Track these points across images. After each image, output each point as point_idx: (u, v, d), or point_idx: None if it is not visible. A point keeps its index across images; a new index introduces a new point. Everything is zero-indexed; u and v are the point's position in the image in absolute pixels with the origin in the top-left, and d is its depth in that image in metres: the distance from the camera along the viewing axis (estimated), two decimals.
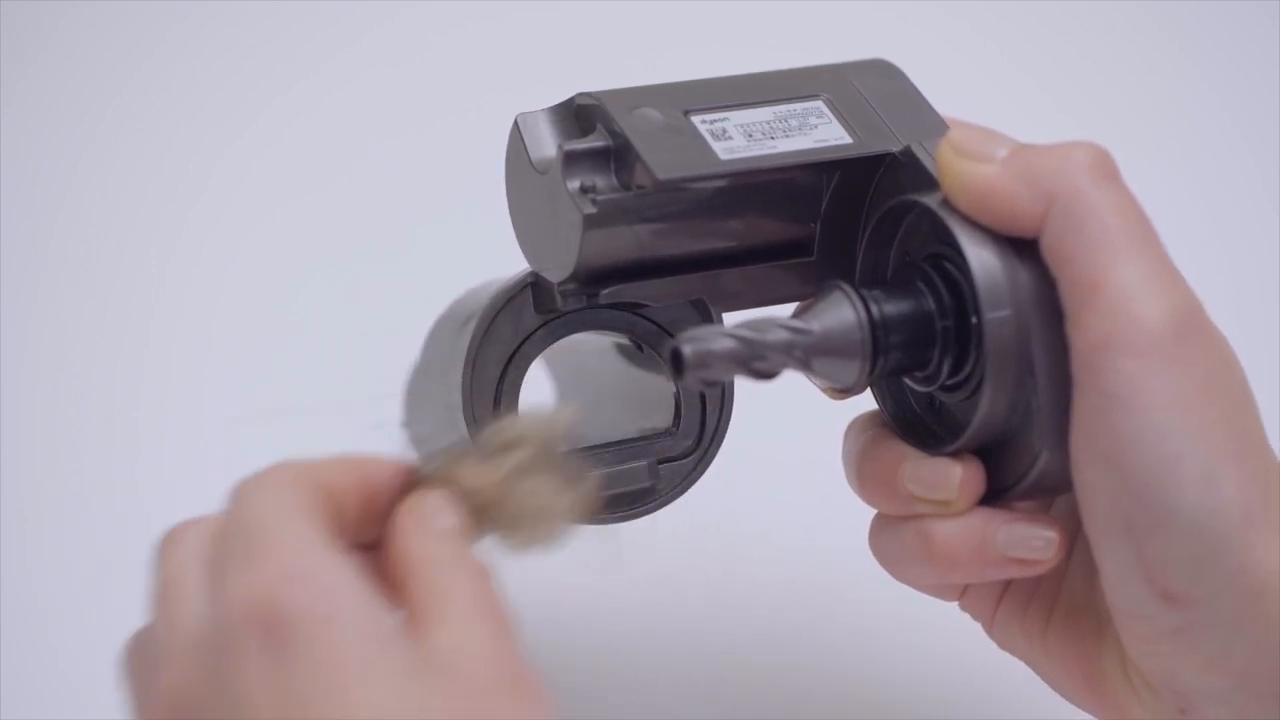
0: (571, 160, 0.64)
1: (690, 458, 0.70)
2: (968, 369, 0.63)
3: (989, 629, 0.68)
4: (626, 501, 0.69)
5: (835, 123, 0.66)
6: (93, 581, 0.83)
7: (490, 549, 0.55)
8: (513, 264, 0.68)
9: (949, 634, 0.73)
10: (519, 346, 0.69)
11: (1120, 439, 0.58)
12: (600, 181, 0.64)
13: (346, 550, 0.52)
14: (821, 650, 0.83)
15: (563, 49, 1.17)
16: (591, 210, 0.64)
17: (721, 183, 0.65)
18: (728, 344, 0.60)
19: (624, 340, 0.71)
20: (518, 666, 0.51)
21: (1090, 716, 0.66)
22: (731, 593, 0.87)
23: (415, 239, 1.06)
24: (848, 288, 0.63)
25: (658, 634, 0.84)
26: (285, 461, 0.54)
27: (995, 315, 0.61)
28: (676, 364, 0.60)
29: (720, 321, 0.68)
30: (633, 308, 0.69)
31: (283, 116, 1.13)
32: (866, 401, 0.67)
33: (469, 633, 0.51)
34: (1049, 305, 0.60)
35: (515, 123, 0.66)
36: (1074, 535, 0.65)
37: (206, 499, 0.55)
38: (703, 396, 0.70)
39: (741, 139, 0.65)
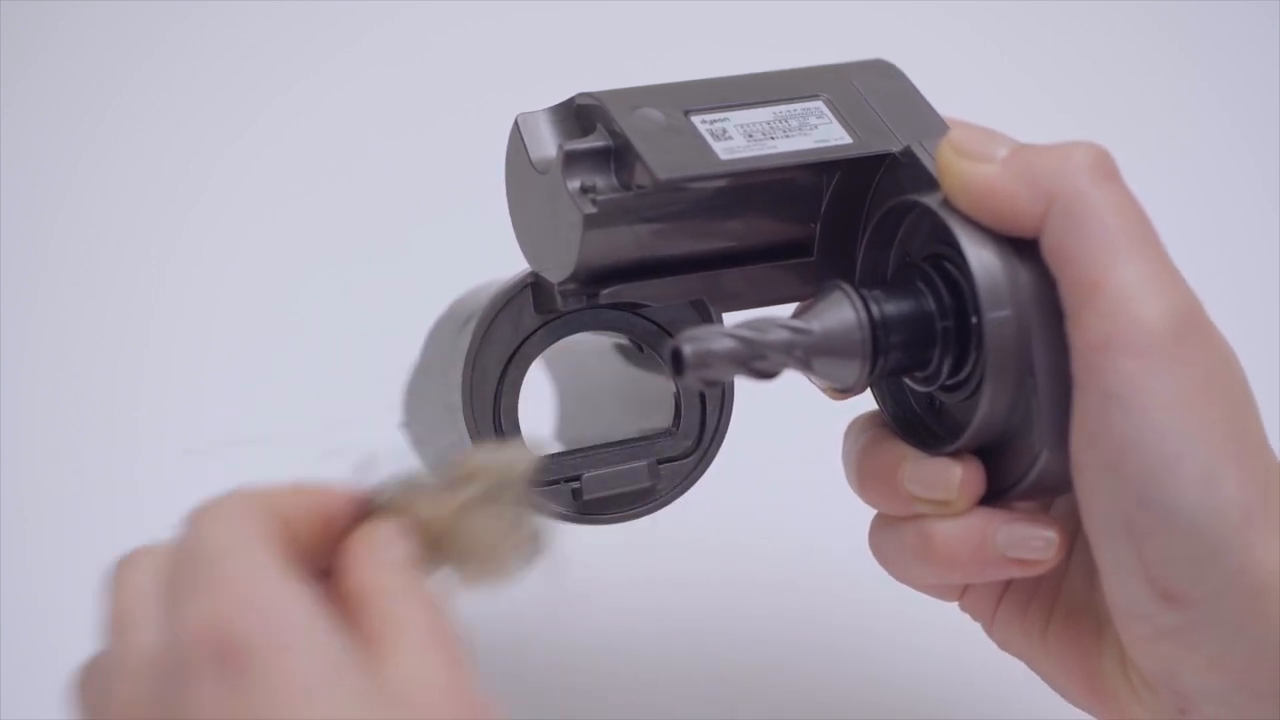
0: (572, 160, 0.64)
1: (690, 458, 0.70)
2: (968, 369, 0.63)
3: (989, 629, 0.68)
4: (626, 501, 0.69)
5: (835, 123, 0.66)
6: (93, 581, 0.83)
7: (443, 580, 0.55)
8: (513, 264, 0.68)
9: (949, 634, 0.73)
10: (519, 346, 0.69)
11: (1120, 439, 0.58)
12: (600, 181, 0.64)
13: (302, 577, 0.52)
14: (821, 650, 0.83)
15: (563, 49, 1.17)
16: (592, 210, 0.64)
17: (722, 183, 0.65)
18: (728, 344, 0.60)
19: (624, 340, 0.71)
20: (473, 697, 0.51)
21: (1090, 716, 0.66)
22: (731, 593, 0.87)
23: (415, 239, 1.06)
24: (848, 288, 0.63)
25: (658, 634, 0.84)
26: (240, 489, 0.54)
27: (995, 315, 0.61)
28: (677, 363, 0.60)
29: (720, 322, 0.68)
30: (633, 308, 0.69)
31: (283, 116, 1.13)
32: (866, 401, 0.67)
33: (423, 663, 0.51)
34: (1049, 305, 0.60)
35: (515, 123, 0.66)
36: (1074, 535, 0.65)
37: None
38: (703, 397, 0.70)
39: (742, 139, 0.65)
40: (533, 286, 0.68)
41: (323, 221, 1.07)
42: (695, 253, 0.67)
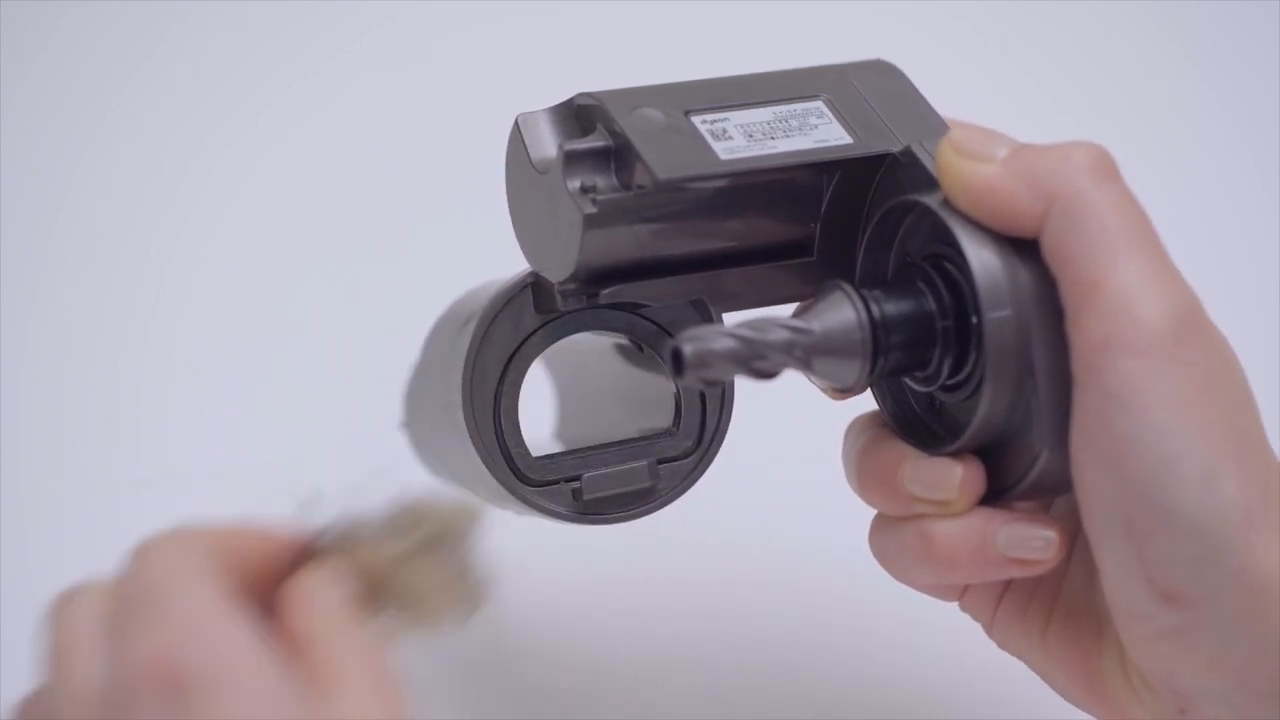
0: (572, 160, 0.64)
1: (690, 458, 0.70)
2: (968, 369, 0.63)
3: (989, 629, 0.68)
4: (626, 501, 0.69)
5: (835, 123, 0.66)
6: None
7: (385, 625, 0.55)
8: (513, 264, 0.68)
9: (949, 634, 0.73)
10: (519, 346, 0.69)
11: (1120, 439, 0.58)
12: (600, 181, 0.64)
13: (248, 613, 0.52)
14: (821, 650, 0.83)
15: (563, 49, 1.17)
16: (592, 210, 0.64)
17: (722, 183, 0.65)
18: (728, 343, 0.60)
19: (624, 340, 0.71)
20: None
21: (1090, 716, 0.66)
22: (731, 593, 0.87)
23: (415, 239, 1.06)
24: (848, 287, 0.63)
25: (658, 634, 0.84)
26: (185, 525, 0.54)
27: (995, 315, 0.61)
28: (677, 363, 0.60)
29: (720, 322, 0.68)
30: (633, 308, 0.69)
31: (283, 116, 1.13)
32: (866, 401, 0.67)
33: (363, 706, 0.52)
34: (1049, 305, 0.60)
35: (515, 123, 0.66)
36: (1074, 535, 0.65)
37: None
38: (703, 397, 0.70)
39: (742, 139, 0.65)
40: (533, 286, 0.68)
41: (323, 222, 1.07)
42: (695, 253, 0.67)
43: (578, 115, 0.66)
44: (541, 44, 1.17)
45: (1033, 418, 0.61)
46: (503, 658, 0.83)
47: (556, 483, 0.69)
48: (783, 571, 0.87)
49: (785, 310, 0.65)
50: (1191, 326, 0.59)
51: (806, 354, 0.62)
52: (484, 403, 0.68)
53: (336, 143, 1.12)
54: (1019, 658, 0.68)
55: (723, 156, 0.64)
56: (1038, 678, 0.67)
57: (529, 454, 0.69)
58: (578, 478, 0.69)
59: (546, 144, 0.66)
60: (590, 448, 0.69)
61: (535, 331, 0.69)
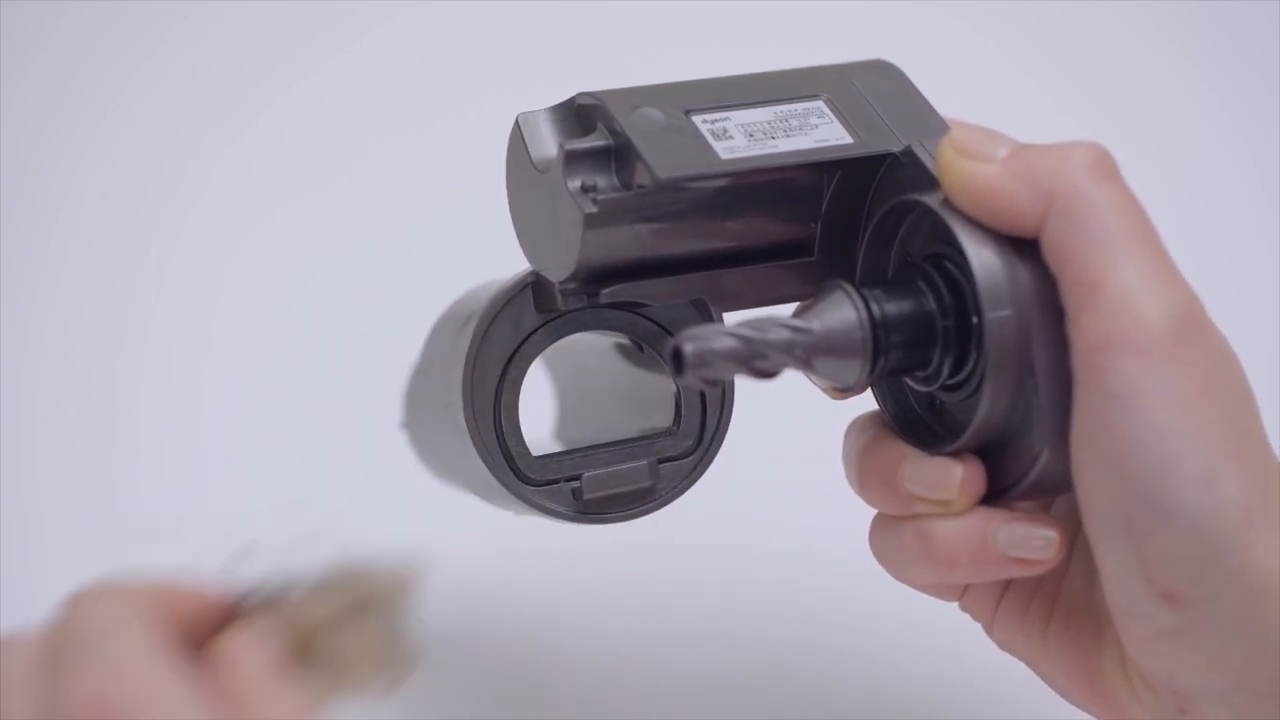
0: (572, 159, 0.64)
1: (690, 458, 0.70)
2: (968, 369, 0.63)
3: (989, 629, 0.68)
4: (626, 501, 0.69)
5: (836, 123, 0.66)
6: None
7: (315, 683, 0.55)
8: (513, 264, 0.68)
9: (949, 634, 0.73)
10: (519, 346, 0.69)
11: (1120, 439, 0.58)
12: (601, 181, 0.64)
13: (181, 662, 0.52)
14: (821, 650, 0.83)
15: (563, 49, 1.17)
16: (592, 209, 0.64)
17: (722, 182, 0.65)
18: (728, 343, 0.60)
19: (624, 340, 0.71)
20: None
21: (1090, 716, 0.66)
22: (731, 593, 0.87)
23: (415, 239, 1.06)
24: (849, 287, 0.63)
25: (658, 634, 0.84)
26: (119, 576, 0.54)
27: (996, 315, 0.61)
28: (677, 362, 0.60)
29: (721, 321, 0.68)
30: (633, 307, 0.69)
31: (283, 116, 1.13)
32: (866, 401, 0.67)
33: None
34: (1049, 305, 0.60)
35: (516, 122, 0.66)
36: (1074, 535, 0.65)
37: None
38: (703, 396, 0.70)
39: (742, 139, 0.65)
40: (533, 286, 0.68)
41: (323, 222, 1.07)
42: (696, 252, 0.67)
43: (578, 115, 0.66)
44: (541, 44, 1.17)
45: (1033, 417, 0.61)
46: (502, 658, 0.82)
47: (557, 482, 0.69)
48: (783, 571, 0.87)
49: (785, 310, 0.65)
50: (1192, 326, 0.59)
51: (807, 353, 0.62)
52: (484, 402, 0.68)
53: (337, 143, 1.12)
54: (1019, 658, 0.68)
55: (723, 156, 0.64)
56: (1038, 678, 0.67)
57: (529, 453, 0.69)
58: (578, 477, 0.69)
59: (547, 143, 0.66)
60: (590, 447, 0.69)
61: (535, 331, 0.69)
